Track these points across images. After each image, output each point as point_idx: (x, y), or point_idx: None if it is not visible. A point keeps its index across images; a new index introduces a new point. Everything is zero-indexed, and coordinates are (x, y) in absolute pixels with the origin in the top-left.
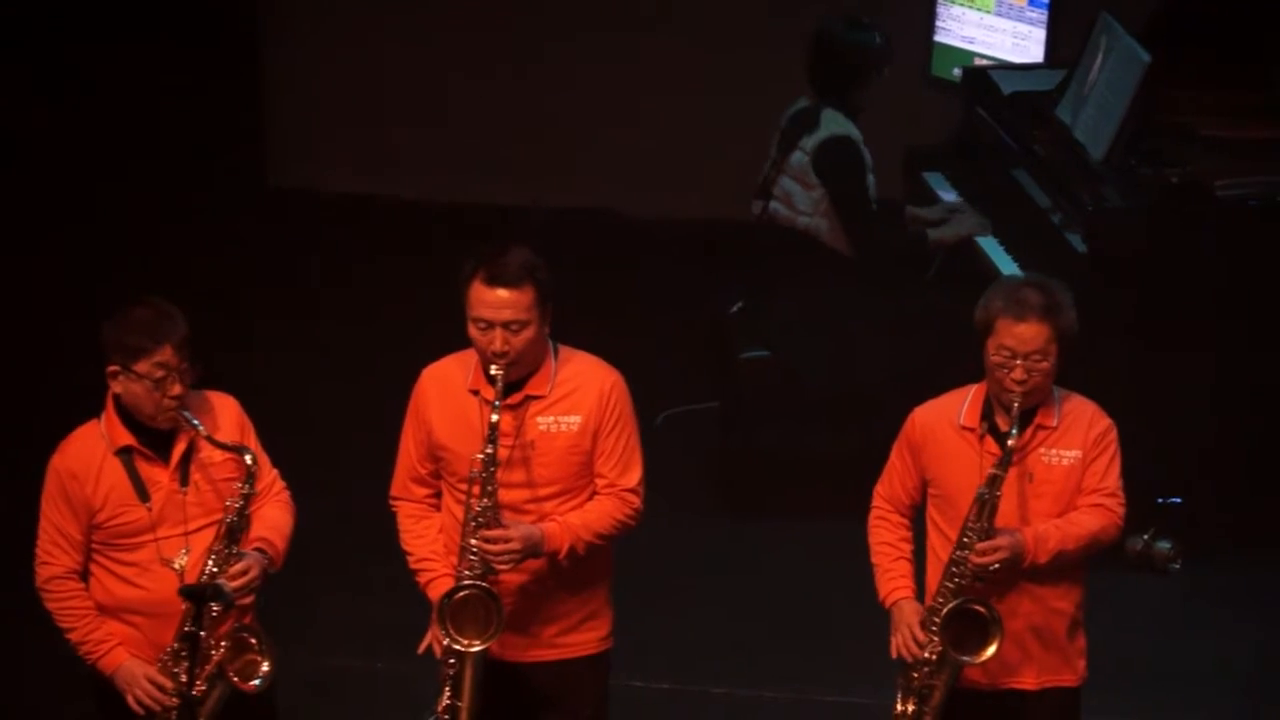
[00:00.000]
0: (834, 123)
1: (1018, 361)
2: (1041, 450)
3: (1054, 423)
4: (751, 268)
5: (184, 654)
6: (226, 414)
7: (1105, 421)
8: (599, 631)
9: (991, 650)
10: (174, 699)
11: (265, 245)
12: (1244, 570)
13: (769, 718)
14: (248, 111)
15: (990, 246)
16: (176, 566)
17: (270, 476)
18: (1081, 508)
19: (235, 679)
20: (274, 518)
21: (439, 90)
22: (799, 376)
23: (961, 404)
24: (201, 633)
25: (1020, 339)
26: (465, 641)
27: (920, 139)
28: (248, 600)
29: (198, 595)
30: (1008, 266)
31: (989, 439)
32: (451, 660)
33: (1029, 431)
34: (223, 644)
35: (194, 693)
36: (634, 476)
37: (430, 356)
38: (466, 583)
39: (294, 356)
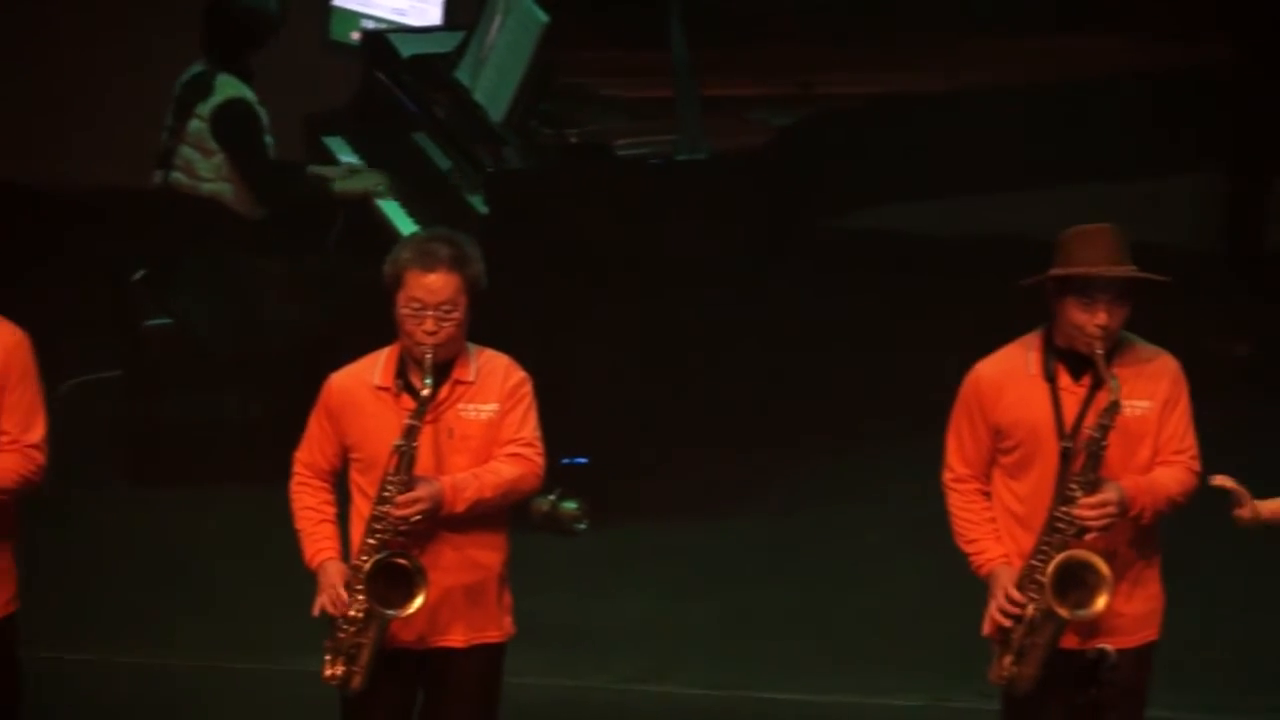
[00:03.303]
0: (228, 86)
1: (428, 313)
2: (460, 406)
3: (471, 377)
4: (154, 235)
5: None
6: None
7: (520, 374)
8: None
9: (418, 601)
10: None
11: None
12: (648, 530)
13: (180, 686)
14: None
15: (392, 210)
16: None
17: None
18: (500, 457)
19: None
20: None
21: None
22: (204, 343)
23: (375, 366)
24: None
25: (430, 290)
26: None
27: (320, 104)
28: None
29: None
30: (410, 229)
31: (405, 396)
32: None
33: (447, 387)
34: None
35: None
36: (37, 433)
37: None
38: None
39: None
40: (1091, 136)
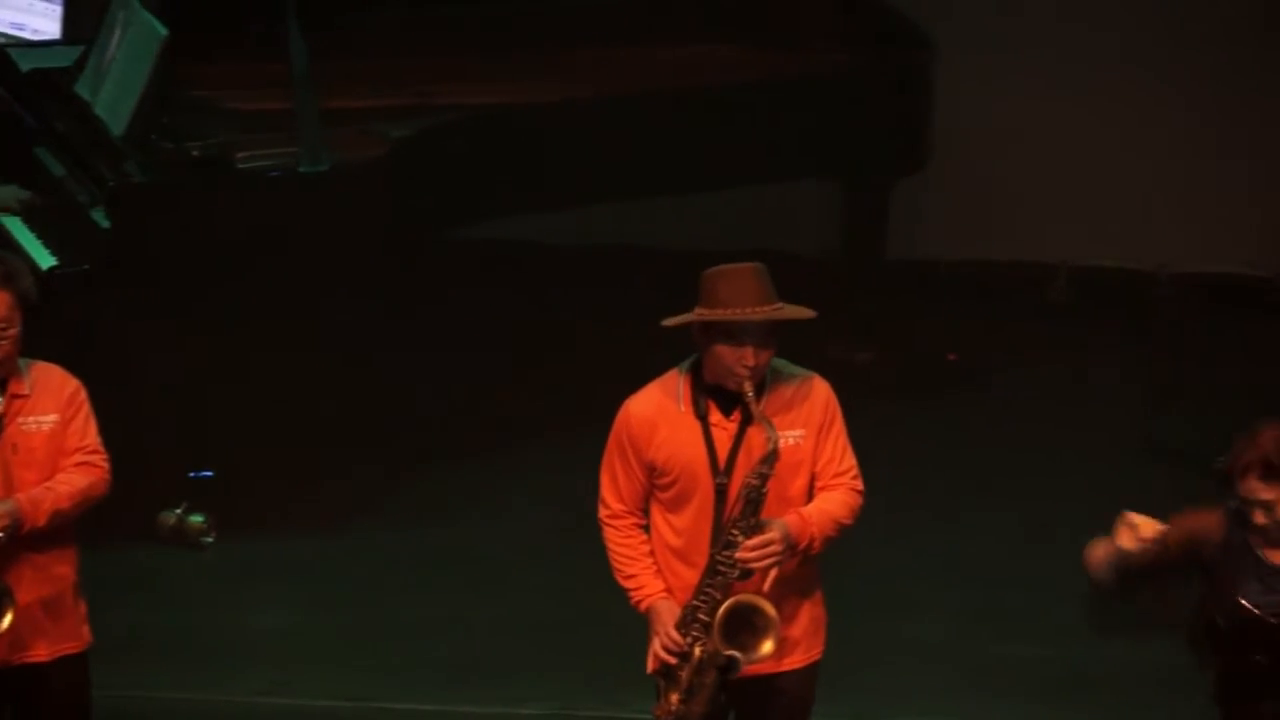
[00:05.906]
0: None
1: None
2: (20, 420)
3: (26, 390)
4: None
5: None
6: None
7: (75, 382)
8: None
9: (7, 621)
10: None
11: None
12: (276, 543)
13: None
14: None
15: (14, 225)
16: None
17: None
18: (67, 467)
19: None
20: None
21: None
22: None
23: None
24: None
25: None
26: None
27: None
28: None
29: None
30: (32, 244)
31: None
32: None
33: (3, 402)
34: None
35: None
36: None
37: None
38: None
39: None
40: (715, 145)
